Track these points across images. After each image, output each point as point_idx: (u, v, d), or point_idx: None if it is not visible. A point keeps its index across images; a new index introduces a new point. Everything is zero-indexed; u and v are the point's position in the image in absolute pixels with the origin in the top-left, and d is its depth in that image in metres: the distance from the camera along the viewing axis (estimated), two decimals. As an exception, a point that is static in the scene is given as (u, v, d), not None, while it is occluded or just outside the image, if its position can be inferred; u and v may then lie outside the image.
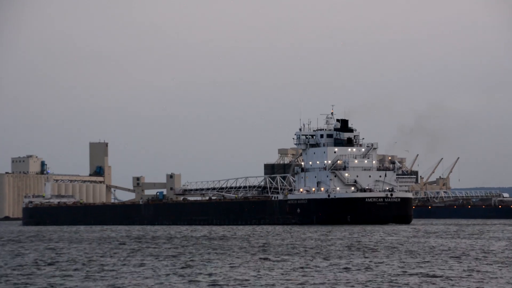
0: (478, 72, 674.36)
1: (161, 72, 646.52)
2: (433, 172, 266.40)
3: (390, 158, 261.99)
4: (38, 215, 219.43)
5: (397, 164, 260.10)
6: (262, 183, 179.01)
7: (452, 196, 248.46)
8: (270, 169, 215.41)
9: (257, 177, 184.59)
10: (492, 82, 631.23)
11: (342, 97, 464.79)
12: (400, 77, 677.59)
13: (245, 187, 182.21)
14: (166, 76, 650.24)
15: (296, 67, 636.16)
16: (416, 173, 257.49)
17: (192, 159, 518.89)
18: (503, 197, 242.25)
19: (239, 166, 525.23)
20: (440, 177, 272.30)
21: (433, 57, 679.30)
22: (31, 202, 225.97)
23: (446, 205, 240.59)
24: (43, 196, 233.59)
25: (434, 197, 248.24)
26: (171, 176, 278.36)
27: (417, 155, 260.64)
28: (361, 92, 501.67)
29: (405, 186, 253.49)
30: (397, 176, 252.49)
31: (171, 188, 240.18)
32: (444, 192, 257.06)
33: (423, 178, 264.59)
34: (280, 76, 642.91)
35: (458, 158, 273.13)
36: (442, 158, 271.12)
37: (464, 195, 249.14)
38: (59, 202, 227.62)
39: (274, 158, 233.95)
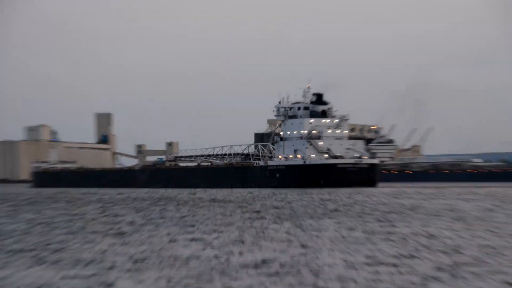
0: (463, 46, 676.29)
1: (160, 50, 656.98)
2: (408, 140, 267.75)
3: (375, 127, 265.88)
4: (44, 178, 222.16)
5: (381, 133, 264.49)
6: (245, 151, 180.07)
7: (430, 162, 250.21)
8: (260, 137, 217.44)
9: (240, 145, 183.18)
10: (476, 55, 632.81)
11: (320, 72, 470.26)
12: (386, 52, 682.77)
13: (230, 154, 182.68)
14: (164, 53, 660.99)
15: (282, 41, 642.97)
16: (392, 141, 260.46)
17: (190, 128, 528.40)
18: (475, 162, 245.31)
19: (233, 135, 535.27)
20: (413, 145, 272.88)
21: (419, 31, 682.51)
22: (39, 167, 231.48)
23: (424, 170, 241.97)
24: (49, 162, 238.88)
25: (413, 162, 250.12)
26: (170, 144, 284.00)
27: (394, 125, 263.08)
28: (344, 66, 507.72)
29: (388, 152, 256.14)
30: (381, 144, 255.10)
31: (170, 155, 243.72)
32: (424, 158, 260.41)
33: (398, 145, 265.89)
34: (268, 51, 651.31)
35: (431, 128, 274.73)
36: (416, 128, 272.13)
37: (441, 161, 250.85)
38: (63, 167, 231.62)
39: (264, 128, 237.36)
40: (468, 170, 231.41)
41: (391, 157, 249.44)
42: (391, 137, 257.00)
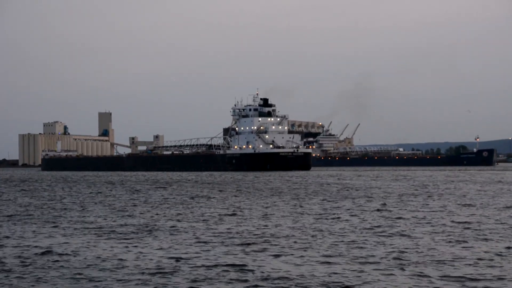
0: (394, 56, 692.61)
1: (152, 60, 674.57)
2: (341, 134, 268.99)
3: (320, 124, 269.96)
4: (51, 164, 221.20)
5: (326, 128, 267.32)
6: (209, 142, 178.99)
7: (364, 151, 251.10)
8: (226, 131, 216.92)
9: (205, 138, 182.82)
10: (406, 64, 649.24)
11: (266, 79, 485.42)
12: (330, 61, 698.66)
13: (197, 145, 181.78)
14: (156, 62, 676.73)
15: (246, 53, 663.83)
16: (334, 134, 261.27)
17: (172, 123, 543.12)
18: (399, 151, 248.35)
19: (206, 129, 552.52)
20: (346, 137, 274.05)
21: (359, 44, 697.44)
22: (47, 154, 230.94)
23: (359, 156, 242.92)
24: (55, 151, 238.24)
25: (351, 151, 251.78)
26: (156, 136, 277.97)
27: (331, 122, 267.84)
28: (291, 74, 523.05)
29: (331, 143, 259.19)
30: (326, 136, 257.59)
31: (156, 145, 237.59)
32: (363, 147, 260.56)
33: (338, 138, 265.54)
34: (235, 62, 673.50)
35: (359, 124, 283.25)
36: (348, 124, 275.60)
37: (373, 150, 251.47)
38: (66, 155, 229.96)
39: (230, 122, 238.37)
40: (397, 157, 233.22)
41: (332, 147, 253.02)
42: (332, 132, 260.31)
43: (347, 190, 57.39)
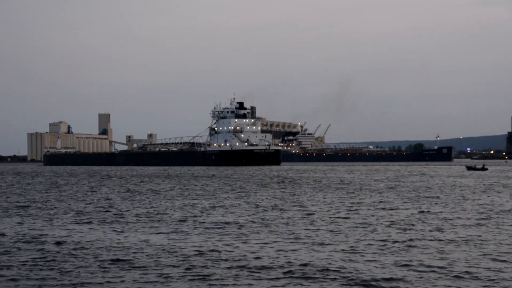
0: (371, 62, 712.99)
1: (143, 69, 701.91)
2: (314, 132, 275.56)
3: (299, 124, 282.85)
4: (52, 159, 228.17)
5: (304, 128, 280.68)
6: (192, 140, 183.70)
7: (338, 148, 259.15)
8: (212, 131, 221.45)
9: (188, 136, 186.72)
10: (384, 68, 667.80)
11: (242, 84, 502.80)
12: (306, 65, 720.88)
13: (181, 143, 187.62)
14: (151, 70, 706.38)
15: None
16: (311, 134, 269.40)
17: (165, 123, 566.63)
18: (369, 148, 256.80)
19: (193, 128, 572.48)
20: (319, 136, 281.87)
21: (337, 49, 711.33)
22: (48, 151, 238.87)
23: (334, 153, 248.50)
24: (56, 148, 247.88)
25: (327, 148, 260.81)
26: (150, 135, 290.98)
27: (305, 122, 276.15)
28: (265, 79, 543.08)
29: (309, 141, 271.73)
30: (304, 135, 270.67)
31: (150, 143, 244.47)
32: (333, 144, 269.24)
33: (315, 136, 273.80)
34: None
35: (330, 124, 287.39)
36: (320, 124, 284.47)
37: (346, 147, 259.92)
38: (65, 152, 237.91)
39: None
40: (367, 154, 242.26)
41: (310, 144, 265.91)
42: (309, 132, 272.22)
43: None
